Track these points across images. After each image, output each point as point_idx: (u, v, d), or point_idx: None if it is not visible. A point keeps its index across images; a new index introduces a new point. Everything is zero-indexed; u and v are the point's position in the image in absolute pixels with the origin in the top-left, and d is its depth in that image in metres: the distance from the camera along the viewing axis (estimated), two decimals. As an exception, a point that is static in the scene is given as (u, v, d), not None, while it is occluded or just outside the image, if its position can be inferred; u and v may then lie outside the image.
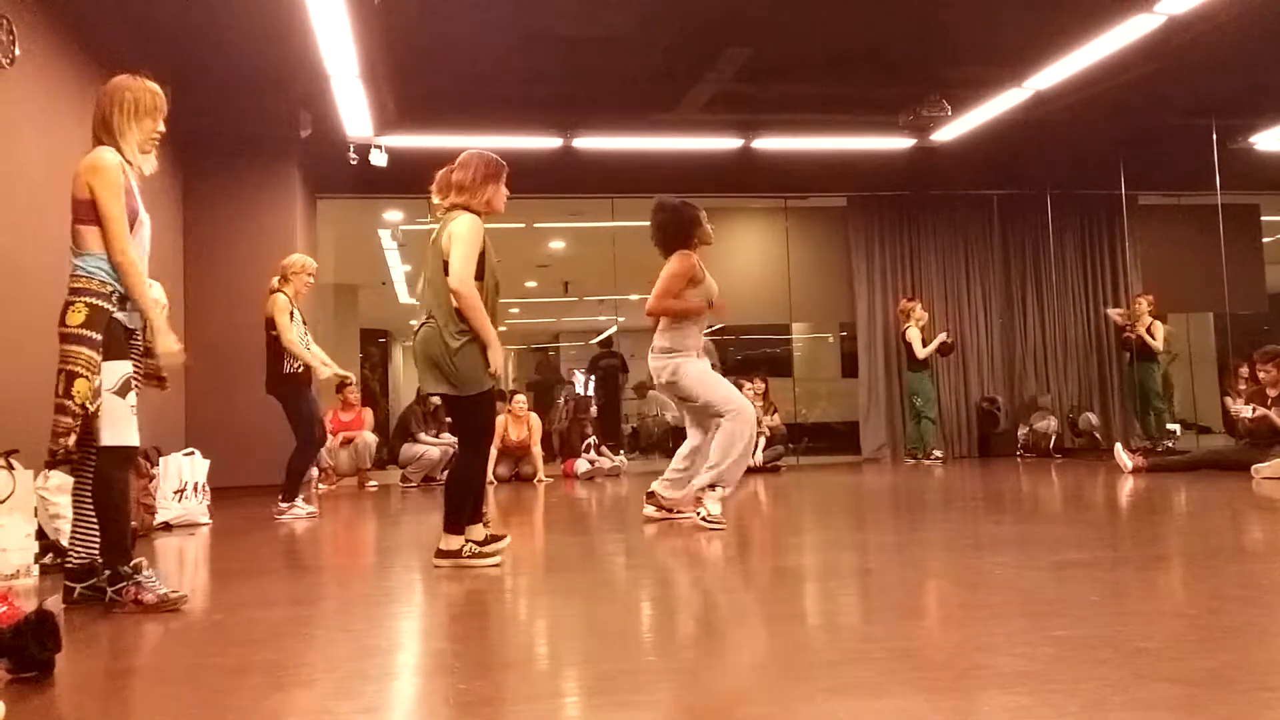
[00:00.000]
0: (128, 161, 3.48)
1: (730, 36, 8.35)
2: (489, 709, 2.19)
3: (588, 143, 10.28)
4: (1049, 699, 2.07)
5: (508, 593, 3.82)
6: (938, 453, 10.95)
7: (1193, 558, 4.14)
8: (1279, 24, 8.05)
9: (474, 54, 8.60)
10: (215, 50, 8.13)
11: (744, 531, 5.44)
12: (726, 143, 10.54)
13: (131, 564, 3.40)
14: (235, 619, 3.36)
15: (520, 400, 10.26)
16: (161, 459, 6.23)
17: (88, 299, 3.32)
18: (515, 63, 8.80)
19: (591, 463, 10.46)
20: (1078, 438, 11.50)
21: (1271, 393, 7.78)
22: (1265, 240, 13.14)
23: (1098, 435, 11.40)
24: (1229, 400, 9.01)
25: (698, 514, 5.36)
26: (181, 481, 6.25)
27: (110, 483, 3.42)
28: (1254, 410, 7.79)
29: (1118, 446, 8.84)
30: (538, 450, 10.06)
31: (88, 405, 3.29)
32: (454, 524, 4.25)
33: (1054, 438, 11.23)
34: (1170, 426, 11.32)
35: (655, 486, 5.77)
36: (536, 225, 13.64)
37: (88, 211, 3.35)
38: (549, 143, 10.22)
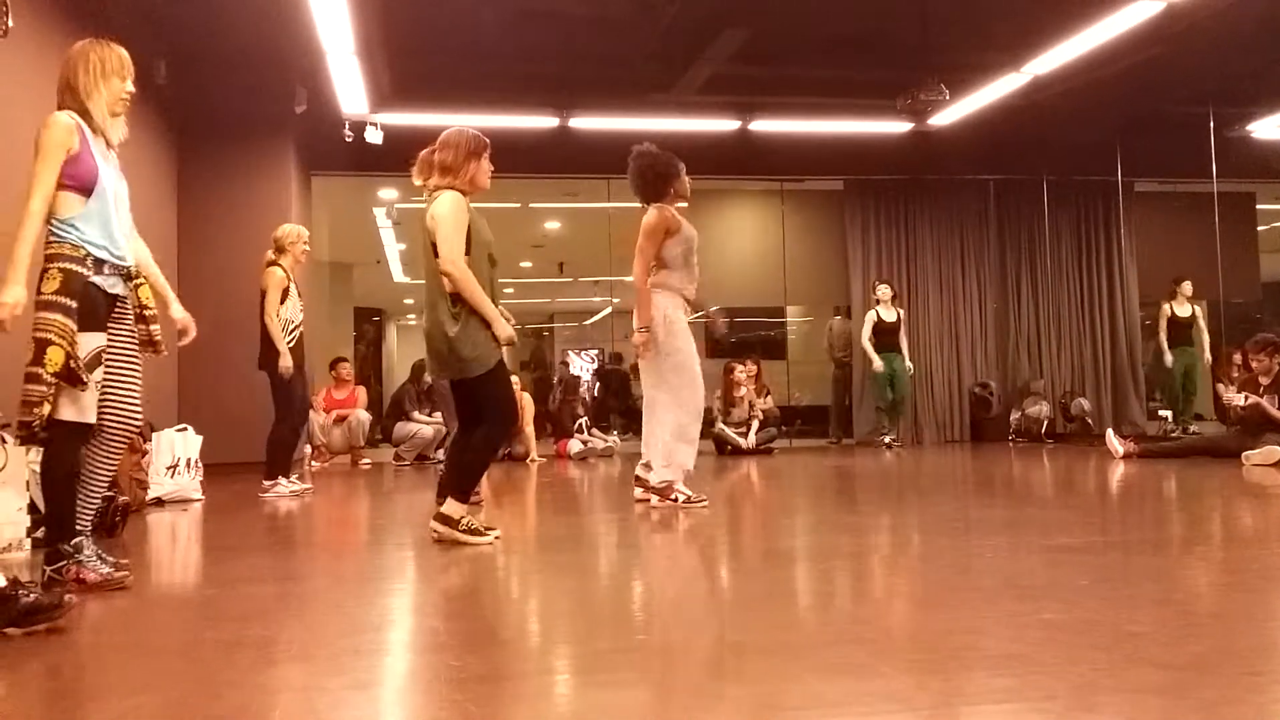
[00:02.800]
0: (93, 127, 3.36)
1: (728, 17, 8.32)
2: (481, 685, 2.20)
3: (584, 123, 10.24)
4: (1037, 682, 2.08)
5: (500, 571, 3.83)
6: (885, 438, 10.91)
7: (1182, 543, 4.16)
8: (1276, 12, 8.04)
9: (471, 32, 8.55)
10: (211, 26, 8.08)
11: (735, 513, 5.45)
12: (724, 124, 10.51)
13: (72, 543, 3.29)
14: (228, 594, 3.37)
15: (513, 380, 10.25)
16: (154, 434, 6.22)
17: (61, 264, 3.20)
18: (512, 41, 8.76)
19: (584, 443, 10.48)
20: (1069, 423, 11.52)
21: (1264, 380, 7.80)
22: (1260, 228, 13.15)
23: (1090, 421, 11.42)
24: (1221, 387, 9.04)
25: (673, 499, 5.31)
26: (174, 457, 6.25)
27: (60, 458, 3.29)
28: (1246, 398, 7.82)
29: (1109, 432, 8.86)
30: (530, 430, 10.06)
31: (81, 374, 3.19)
32: (462, 493, 4.26)
33: (1046, 423, 11.25)
34: (1163, 413, 11.34)
35: (641, 471, 5.69)
36: (532, 205, 13.61)
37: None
38: (545, 122, 10.18)
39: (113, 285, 3.37)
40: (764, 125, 10.59)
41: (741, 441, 10.31)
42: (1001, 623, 2.63)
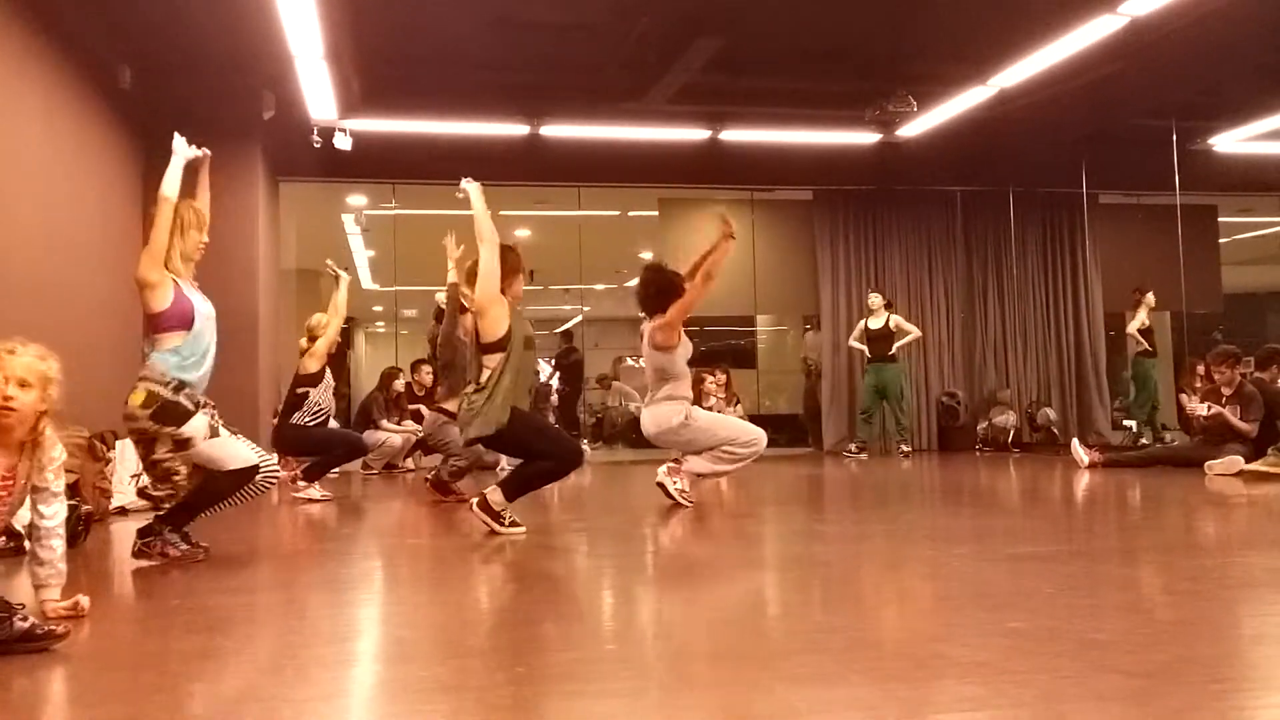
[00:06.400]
0: (171, 269, 3.98)
1: (700, 27, 8.34)
2: (448, 696, 2.19)
3: (555, 131, 10.24)
4: (1004, 690, 2.09)
5: (468, 581, 3.81)
6: (851, 445, 11.00)
7: (1146, 552, 4.20)
8: (1239, 28, 8.17)
9: (442, 37, 8.53)
10: (177, 29, 8.00)
11: (706, 521, 5.45)
12: (694, 134, 10.53)
13: (171, 527, 4.07)
14: (193, 605, 3.33)
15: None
16: (118, 443, 6.14)
17: (149, 385, 3.92)
18: (483, 47, 8.74)
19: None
20: (1036, 433, 11.62)
21: (1226, 391, 7.91)
22: (1222, 241, 13.34)
23: (1055, 430, 11.53)
24: (1185, 398, 9.14)
25: (673, 483, 5.73)
26: (138, 466, 6.17)
27: (221, 492, 4.09)
28: (1209, 408, 7.92)
29: (1074, 442, 8.95)
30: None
31: (176, 477, 4.03)
32: (512, 493, 4.72)
33: (1012, 432, 11.35)
34: (1127, 423, 11.46)
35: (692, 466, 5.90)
36: (502, 213, 13.49)
37: (151, 323, 3.98)
38: (516, 130, 10.17)
39: (194, 400, 4.00)
40: (734, 135, 10.63)
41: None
42: (968, 631, 2.65)
